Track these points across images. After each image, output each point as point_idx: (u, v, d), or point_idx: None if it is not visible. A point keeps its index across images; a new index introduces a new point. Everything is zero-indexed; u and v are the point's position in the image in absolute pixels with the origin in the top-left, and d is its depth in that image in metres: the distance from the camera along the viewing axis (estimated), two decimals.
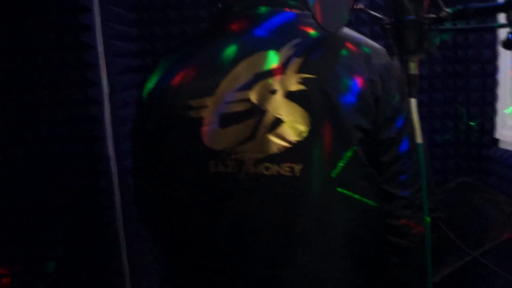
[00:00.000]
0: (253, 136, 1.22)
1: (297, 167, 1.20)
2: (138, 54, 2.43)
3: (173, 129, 1.31)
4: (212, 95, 1.25)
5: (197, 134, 1.26)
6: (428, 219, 1.09)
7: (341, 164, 1.20)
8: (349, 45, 1.21)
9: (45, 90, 1.98)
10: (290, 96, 1.19)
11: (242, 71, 1.23)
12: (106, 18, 2.05)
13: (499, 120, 2.33)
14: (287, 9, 1.30)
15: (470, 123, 2.40)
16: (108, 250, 2.06)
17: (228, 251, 1.31)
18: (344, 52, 1.20)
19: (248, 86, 1.22)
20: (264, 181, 1.23)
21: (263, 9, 1.31)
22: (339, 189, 1.22)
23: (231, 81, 1.24)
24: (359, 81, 1.19)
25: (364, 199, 1.23)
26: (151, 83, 1.36)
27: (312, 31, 1.24)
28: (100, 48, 1.98)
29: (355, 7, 1.25)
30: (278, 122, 1.19)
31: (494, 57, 2.33)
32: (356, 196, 1.23)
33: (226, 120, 1.24)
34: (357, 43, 1.23)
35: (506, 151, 2.21)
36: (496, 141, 2.35)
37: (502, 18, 0.95)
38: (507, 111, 2.29)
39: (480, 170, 2.37)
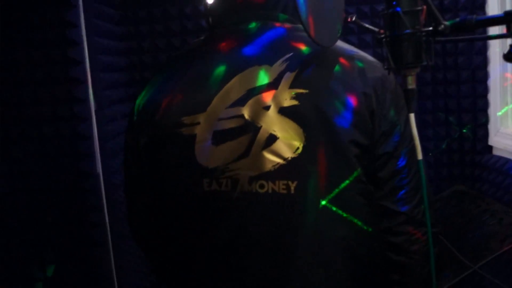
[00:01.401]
0: (247, 153, 1.18)
1: (293, 184, 1.17)
2: (125, 68, 2.40)
3: (165, 147, 1.27)
4: (204, 112, 1.22)
5: (190, 151, 1.23)
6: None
7: (343, 185, 1.18)
8: (342, 60, 1.19)
9: (32, 107, 1.95)
10: (284, 111, 1.16)
11: (235, 87, 1.21)
12: (93, 33, 2.02)
13: (492, 127, 2.32)
14: (277, 24, 1.27)
15: (463, 130, 2.39)
16: (98, 268, 2.02)
17: (222, 271, 1.27)
18: (337, 67, 1.18)
19: (241, 102, 1.19)
20: (259, 199, 1.19)
21: (253, 25, 1.28)
22: (334, 209, 1.19)
23: (224, 97, 1.21)
24: (353, 96, 1.16)
25: (359, 222, 1.21)
26: (142, 100, 1.33)
27: (303, 47, 1.21)
28: (87, 63, 1.95)
29: (348, 19, 1.22)
30: (272, 138, 1.17)
31: (484, 63, 2.31)
32: (351, 218, 1.20)
33: (220, 137, 1.21)
34: (350, 57, 1.20)
35: (500, 158, 2.20)
36: (489, 148, 2.34)
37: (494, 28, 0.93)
38: (499, 113, 2.28)
39: (474, 178, 2.36)
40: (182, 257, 1.36)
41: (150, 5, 2.36)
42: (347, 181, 1.18)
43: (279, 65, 1.19)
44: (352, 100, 1.16)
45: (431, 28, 0.94)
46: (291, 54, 1.20)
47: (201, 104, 1.22)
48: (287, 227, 1.20)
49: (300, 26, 1.12)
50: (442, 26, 0.92)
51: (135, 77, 2.41)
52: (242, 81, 1.21)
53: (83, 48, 1.93)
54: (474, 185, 2.32)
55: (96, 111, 1.98)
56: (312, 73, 1.18)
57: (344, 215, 1.19)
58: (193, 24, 2.38)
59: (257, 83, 1.19)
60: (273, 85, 1.18)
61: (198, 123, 1.23)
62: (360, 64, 1.19)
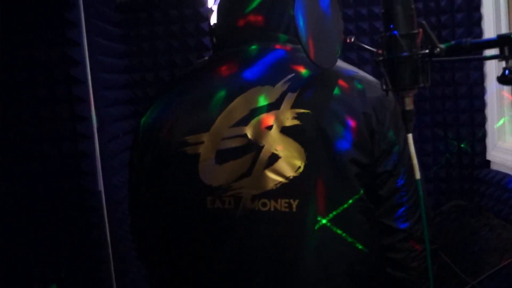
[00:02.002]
0: (250, 172, 1.21)
1: (294, 203, 1.19)
2: (127, 86, 2.42)
3: (170, 166, 1.29)
4: (208, 131, 1.24)
5: (194, 170, 1.25)
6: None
7: (346, 205, 1.20)
8: (341, 82, 1.21)
9: (34, 125, 1.96)
10: (285, 131, 1.18)
11: (238, 107, 1.23)
12: (95, 50, 2.04)
13: (489, 141, 2.34)
14: (277, 46, 1.30)
15: (461, 145, 2.41)
16: (100, 286, 2.03)
17: (228, 287, 1.29)
18: (336, 89, 1.20)
19: (244, 122, 1.22)
20: (261, 217, 1.21)
21: (253, 47, 1.31)
22: (334, 229, 1.21)
23: (227, 117, 1.23)
24: (353, 116, 1.18)
25: (359, 245, 1.23)
26: (147, 119, 1.35)
27: (303, 70, 1.24)
28: (89, 80, 1.97)
29: (347, 40, 1.25)
30: (274, 157, 1.19)
31: (481, 79, 2.34)
32: (351, 240, 1.22)
33: (223, 156, 1.23)
34: (349, 78, 1.23)
35: (498, 172, 2.22)
36: (487, 162, 2.36)
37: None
38: (496, 125, 2.29)
39: (473, 192, 2.37)
40: (187, 274, 1.37)
41: (152, 23, 2.39)
42: (350, 201, 1.20)
43: (281, 86, 1.22)
44: (352, 120, 1.18)
45: (427, 51, 0.96)
46: (293, 75, 1.22)
47: (205, 124, 1.24)
48: (289, 244, 1.22)
49: (300, 46, 1.14)
50: (438, 49, 0.94)
51: (137, 95, 2.43)
52: (245, 101, 1.23)
53: (85, 66, 1.95)
54: (473, 199, 2.34)
55: (98, 129, 2.00)
56: (313, 94, 1.21)
57: (344, 235, 1.21)
58: (195, 42, 2.41)
59: (259, 103, 1.22)
60: (275, 105, 1.20)
61: (202, 142, 1.25)
62: (359, 86, 1.22)
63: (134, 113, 2.44)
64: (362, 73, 1.27)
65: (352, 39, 1.25)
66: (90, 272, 1.99)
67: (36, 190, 1.98)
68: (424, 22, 0.95)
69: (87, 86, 1.95)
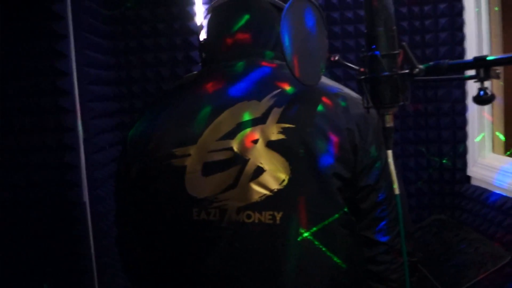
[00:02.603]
0: (235, 185, 1.23)
1: (278, 215, 1.22)
2: (114, 98, 2.43)
3: (157, 178, 1.31)
4: (195, 144, 1.27)
5: (180, 182, 1.27)
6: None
7: (330, 219, 1.22)
8: (325, 99, 1.25)
9: (20, 136, 1.96)
10: (271, 145, 1.21)
11: (225, 121, 1.26)
12: (82, 63, 2.05)
13: (470, 158, 2.38)
14: (263, 63, 1.33)
15: (443, 160, 2.45)
16: None
17: None
18: (320, 106, 1.24)
19: (231, 135, 1.24)
20: (246, 229, 1.23)
21: (240, 64, 1.34)
22: (316, 243, 1.23)
23: (214, 130, 1.26)
24: (337, 132, 1.21)
25: (338, 260, 1.25)
26: (135, 131, 1.37)
27: (288, 87, 1.27)
28: (76, 92, 1.98)
29: (331, 59, 1.28)
30: (259, 170, 1.21)
31: (463, 96, 2.39)
32: (330, 255, 1.25)
33: (209, 168, 1.25)
34: (334, 96, 1.26)
35: (478, 187, 2.26)
36: (468, 178, 2.40)
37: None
38: (476, 139, 2.34)
39: (453, 207, 2.41)
40: (173, 285, 1.39)
41: (140, 36, 2.41)
42: (334, 215, 1.23)
43: (267, 101, 1.25)
44: (336, 136, 1.22)
45: (407, 71, 0.99)
46: (279, 90, 1.25)
47: (193, 137, 1.27)
48: (272, 255, 1.24)
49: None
50: (417, 69, 0.98)
51: (123, 107, 2.44)
52: (232, 115, 1.26)
53: (72, 78, 1.96)
54: (454, 214, 2.38)
55: (84, 140, 2.00)
56: (298, 110, 1.24)
57: (324, 249, 1.24)
58: (183, 56, 2.43)
59: (246, 117, 1.25)
60: (262, 119, 1.23)
61: (189, 155, 1.27)
62: (343, 103, 1.25)
63: (120, 125, 2.45)
64: (346, 90, 1.31)
65: (336, 58, 1.28)
66: (74, 284, 1.99)
67: (21, 200, 1.98)
68: (404, 43, 0.98)
69: (74, 98, 1.96)
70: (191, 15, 2.40)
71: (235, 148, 1.23)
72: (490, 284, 1.66)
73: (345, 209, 1.23)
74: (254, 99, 1.26)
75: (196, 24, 2.39)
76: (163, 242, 1.36)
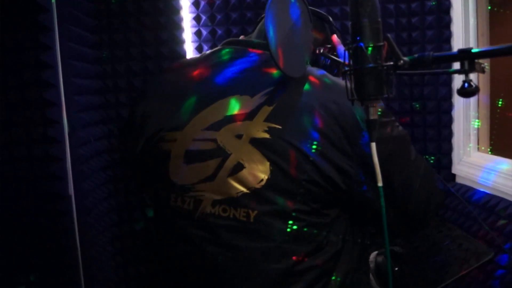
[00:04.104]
0: (213, 177, 1.24)
1: (252, 214, 1.22)
2: (99, 91, 2.41)
3: (150, 158, 1.38)
4: (182, 130, 1.29)
5: (165, 166, 1.32)
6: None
7: (301, 224, 1.23)
8: (317, 108, 1.24)
9: (4, 129, 1.94)
10: (254, 142, 1.21)
11: (214, 111, 1.27)
12: (67, 56, 2.03)
13: (455, 156, 2.39)
14: (250, 49, 1.33)
15: (428, 159, 2.46)
16: None
17: (180, 283, 1.35)
18: (309, 112, 1.25)
19: (216, 127, 1.25)
20: (219, 223, 1.25)
21: (226, 51, 1.34)
22: (289, 243, 1.24)
23: (201, 119, 1.28)
24: (320, 134, 1.22)
25: (306, 258, 1.27)
26: (139, 108, 1.45)
27: (274, 71, 1.27)
28: (61, 86, 1.96)
29: (316, 51, 1.28)
30: (239, 166, 1.22)
31: (449, 94, 2.40)
32: (301, 253, 1.26)
33: (191, 156, 1.28)
34: (327, 101, 1.26)
35: (462, 185, 2.27)
36: (453, 176, 2.41)
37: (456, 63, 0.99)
38: (476, 125, 2.34)
39: None
40: (157, 265, 1.45)
41: (126, 30, 2.39)
42: (306, 218, 1.24)
43: (258, 98, 1.25)
44: (320, 140, 1.22)
45: (391, 63, 0.99)
46: (272, 88, 1.25)
47: (181, 123, 1.30)
48: (244, 252, 1.25)
49: None
50: (402, 61, 0.98)
51: (109, 100, 2.42)
52: (221, 107, 1.28)
53: (57, 71, 1.94)
54: (438, 211, 2.38)
55: (69, 133, 1.99)
56: (286, 111, 1.24)
57: (296, 249, 1.25)
58: (168, 51, 2.41)
59: (235, 111, 1.25)
60: (250, 116, 1.24)
61: (175, 140, 1.31)
62: (336, 111, 1.25)
63: (105, 119, 2.43)
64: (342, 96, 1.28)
65: (321, 50, 1.29)
66: (59, 277, 1.97)
67: (5, 193, 1.96)
68: (389, 35, 0.98)
69: (59, 90, 1.94)
70: (177, 10, 2.39)
71: (219, 141, 1.24)
72: (473, 280, 1.67)
73: (317, 209, 1.25)
74: (246, 95, 1.26)
75: (182, 18, 2.39)
76: (156, 217, 1.43)
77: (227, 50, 1.38)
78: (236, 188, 1.22)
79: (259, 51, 1.35)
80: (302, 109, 1.23)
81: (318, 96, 1.24)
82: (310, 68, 1.30)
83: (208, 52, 1.45)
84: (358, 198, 1.25)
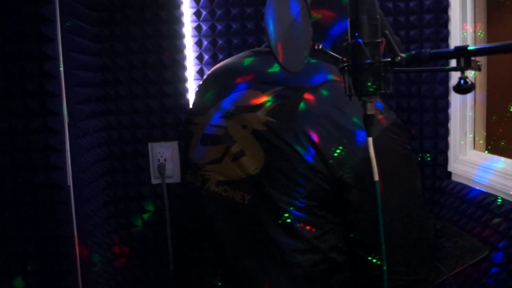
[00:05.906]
0: (221, 160, 1.38)
1: (247, 197, 1.33)
2: (99, 84, 2.43)
3: (184, 136, 1.65)
4: (203, 116, 1.48)
5: (188, 145, 1.52)
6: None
7: (287, 216, 1.28)
8: (308, 95, 1.33)
9: (4, 119, 1.95)
10: (255, 133, 1.32)
11: (231, 102, 1.42)
12: (69, 48, 2.05)
13: (451, 154, 2.41)
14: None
15: (424, 156, 2.48)
16: (64, 281, 2.02)
17: (194, 258, 1.50)
18: (302, 105, 1.31)
19: (229, 115, 1.40)
20: (221, 201, 1.38)
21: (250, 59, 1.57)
22: (278, 230, 1.29)
23: (220, 108, 1.44)
24: (314, 131, 1.26)
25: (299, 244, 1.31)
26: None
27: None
28: (62, 77, 1.97)
29: (315, 47, 1.30)
30: (241, 153, 1.34)
31: (446, 92, 2.41)
32: (294, 241, 1.30)
33: (206, 140, 1.44)
34: (329, 105, 1.33)
35: (458, 183, 2.29)
36: (449, 174, 2.43)
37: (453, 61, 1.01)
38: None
39: (434, 202, 2.44)
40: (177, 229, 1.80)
41: (127, 24, 2.40)
42: (291, 208, 1.28)
43: (268, 94, 1.36)
44: (314, 135, 1.26)
45: (389, 59, 1.01)
46: (281, 87, 1.35)
47: (205, 108, 1.49)
48: (240, 229, 1.36)
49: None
50: (399, 57, 1.00)
51: (108, 93, 2.44)
52: (238, 99, 1.42)
53: (58, 62, 1.95)
54: (434, 208, 2.41)
55: (69, 125, 2.00)
56: (288, 107, 1.32)
57: (286, 238, 1.29)
58: (168, 45, 2.43)
59: (246, 103, 1.38)
60: (256, 109, 1.35)
61: (197, 124, 1.50)
62: (335, 114, 1.31)
63: (105, 111, 2.44)
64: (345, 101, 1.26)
65: (320, 46, 1.30)
66: (56, 266, 1.99)
67: (3, 183, 1.97)
68: (387, 32, 1.00)
69: (60, 82, 1.96)
70: (177, 4, 2.40)
71: (228, 128, 1.38)
72: (467, 278, 1.69)
73: (309, 200, 1.29)
74: (258, 90, 1.38)
75: (182, 13, 2.40)
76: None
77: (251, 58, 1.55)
78: (236, 172, 1.34)
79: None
80: (302, 109, 1.30)
81: (312, 119, 1.31)
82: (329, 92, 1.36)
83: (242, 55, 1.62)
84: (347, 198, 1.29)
